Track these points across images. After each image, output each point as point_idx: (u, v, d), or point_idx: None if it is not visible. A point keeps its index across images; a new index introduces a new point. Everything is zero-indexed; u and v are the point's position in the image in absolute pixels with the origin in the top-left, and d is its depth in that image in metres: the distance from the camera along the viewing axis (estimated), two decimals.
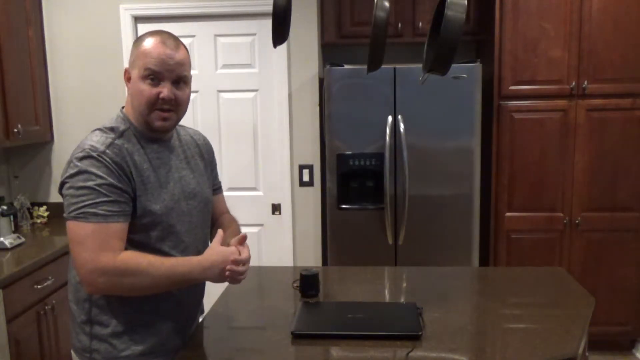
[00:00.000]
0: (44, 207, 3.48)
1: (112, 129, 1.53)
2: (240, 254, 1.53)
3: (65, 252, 2.78)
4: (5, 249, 2.80)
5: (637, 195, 3.30)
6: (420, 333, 1.63)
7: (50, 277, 2.73)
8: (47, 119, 3.47)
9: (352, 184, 3.30)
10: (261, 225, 3.59)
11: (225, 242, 1.60)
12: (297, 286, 2.04)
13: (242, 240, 1.59)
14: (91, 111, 3.48)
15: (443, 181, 3.23)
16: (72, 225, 1.44)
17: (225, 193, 1.95)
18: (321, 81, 3.45)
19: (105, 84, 3.47)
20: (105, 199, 1.43)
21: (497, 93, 3.29)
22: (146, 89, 1.51)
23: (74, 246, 1.44)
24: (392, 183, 3.24)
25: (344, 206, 3.29)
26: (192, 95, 1.65)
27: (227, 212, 1.92)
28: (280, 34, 1.87)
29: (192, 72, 1.62)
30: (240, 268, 1.52)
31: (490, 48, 3.35)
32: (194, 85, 1.67)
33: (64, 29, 3.46)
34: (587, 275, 3.32)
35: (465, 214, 3.25)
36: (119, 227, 1.45)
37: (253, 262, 1.65)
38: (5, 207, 2.93)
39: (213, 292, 1.93)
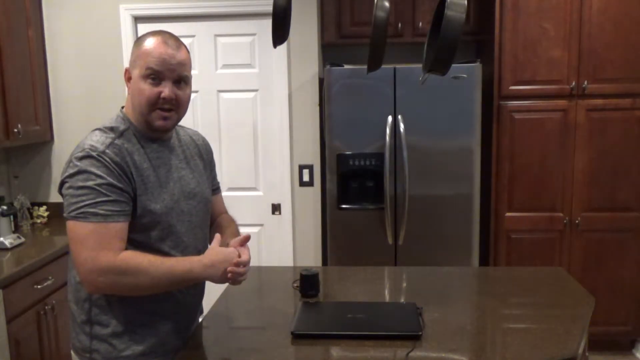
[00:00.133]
0: (44, 207, 3.48)
1: (112, 129, 1.53)
2: (240, 256, 1.53)
3: (65, 252, 2.78)
4: (5, 249, 2.80)
5: (637, 195, 3.30)
6: (420, 333, 1.63)
7: (50, 277, 2.73)
8: (47, 119, 3.47)
9: (352, 184, 3.30)
10: (261, 225, 3.59)
11: (224, 243, 1.61)
12: (297, 286, 2.04)
13: (244, 240, 1.60)
14: (91, 111, 3.48)
15: (443, 181, 3.23)
16: (72, 225, 1.44)
17: (225, 193, 1.96)
18: (321, 81, 3.45)
19: (105, 84, 3.47)
20: (105, 198, 1.43)
21: (497, 93, 3.29)
22: (147, 88, 1.51)
23: (74, 245, 1.44)
24: (392, 183, 3.24)
25: (344, 206, 3.29)
26: (192, 95, 1.65)
27: (226, 212, 1.92)
28: (280, 34, 1.87)
29: (192, 72, 1.62)
30: (241, 269, 1.52)
31: (490, 48, 3.35)
32: (194, 85, 1.67)
33: (64, 29, 3.46)
34: (587, 275, 3.32)
35: (465, 214, 3.25)
36: (119, 227, 1.45)
37: (253, 262, 1.65)
38: (5, 207, 2.93)
39: (213, 292, 1.92)
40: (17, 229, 3.23)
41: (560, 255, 3.37)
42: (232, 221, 1.86)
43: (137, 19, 3.46)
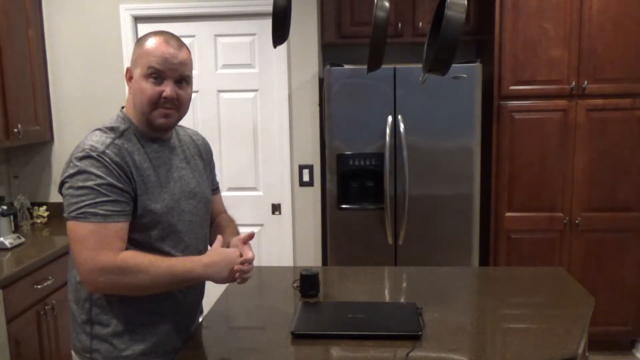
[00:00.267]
0: (44, 207, 3.48)
1: (112, 129, 1.53)
2: (242, 255, 1.54)
3: (65, 252, 2.78)
4: (5, 249, 2.80)
5: (637, 195, 3.30)
6: (420, 333, 1.63)
7: (50, 277, 2.73)
8: (47, 119, 3.47)
9: (352, 184, 3.30)
10: (261, 225, 3.59)
11: (224, 243, 1.61)
12: (297, 286, 2.04)
13: (248, 238, 1.61)
14: (91, 111, 3.48)
15: (443, 181, 3.23)
16: (72, 225, 1.44)
17: (225, 193, 1.96)
18: (321, 81, 3.45)
19: (105, 84, 3.47)
20: (105, 198, 1.43)
21: (497, 93, 3.29)
22: (149, 87, 1.51)
23: (75, 245, 1.45)
24: (392, 183, 3.24)
25: (344, 206, 3.29)
26: (192, 95, 1.65)
27: (225, 212, 1.92)
28: (280, 34, 1.87)
29: (193, 72, 1.63)
30: (247, 267, 1.54)
31: (490, 48, 3.36)
32: (194, 86, 1.68)
33: (64, 29, 3.46)
34: (587, 275, 3.32)
35: (465, 214, 3.25)
36: (119, 227, 1.45)
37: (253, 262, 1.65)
38: (5, 207, 2.93)
39: (213, 292, 1.93)
40: (17, 229, 3.23)
41: (560, 255, 3.37)
42: (231, 221, 1.87)
43: (137, 19, 3.46)
